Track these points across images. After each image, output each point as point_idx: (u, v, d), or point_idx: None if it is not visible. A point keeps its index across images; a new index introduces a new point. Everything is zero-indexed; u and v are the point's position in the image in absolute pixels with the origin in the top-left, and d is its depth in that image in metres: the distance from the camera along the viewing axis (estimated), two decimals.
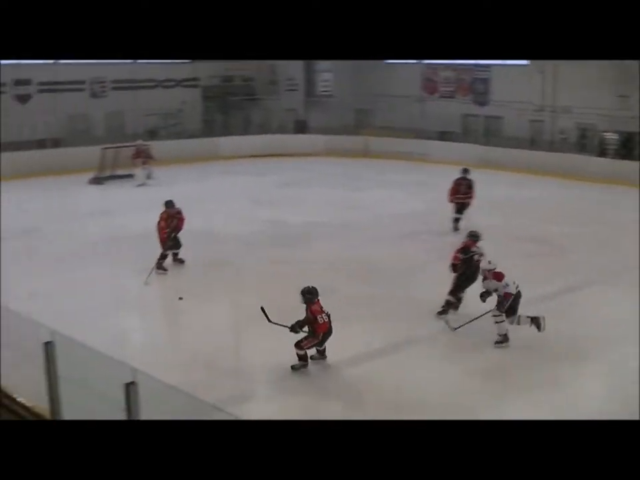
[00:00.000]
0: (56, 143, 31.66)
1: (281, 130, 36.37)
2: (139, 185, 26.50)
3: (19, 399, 8.45)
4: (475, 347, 11.54)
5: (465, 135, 35.20)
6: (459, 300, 12.88)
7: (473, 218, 18.93)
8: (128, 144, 28.30)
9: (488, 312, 11.53)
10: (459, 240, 13.92)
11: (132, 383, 6.53)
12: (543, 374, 10.42)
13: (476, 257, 12.74)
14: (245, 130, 35.60)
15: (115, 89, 34.49)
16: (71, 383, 7.28)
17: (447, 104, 36.73)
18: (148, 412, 6.52)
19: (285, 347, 10.54)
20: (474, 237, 13.22)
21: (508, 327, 11.36)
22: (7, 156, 27.94)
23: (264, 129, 35.99)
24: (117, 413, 6.43)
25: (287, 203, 22.97)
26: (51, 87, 32.35)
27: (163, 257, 15.75)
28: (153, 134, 34.04)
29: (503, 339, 11.41)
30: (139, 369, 6.60)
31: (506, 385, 10.39)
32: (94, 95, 34.18)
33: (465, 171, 20.26)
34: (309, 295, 10.67)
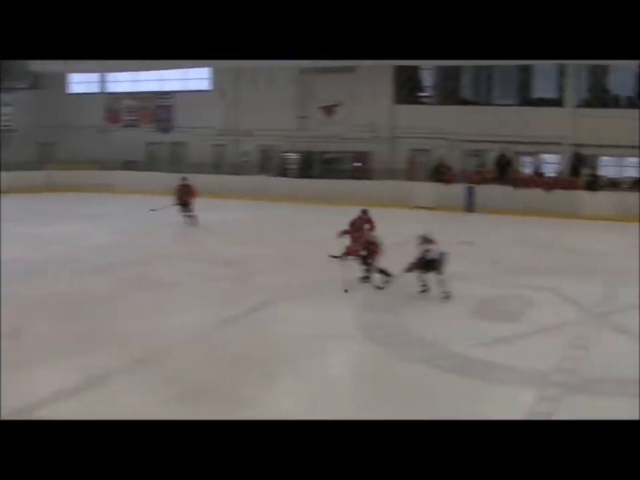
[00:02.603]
0: None
1: None
2: None
3: None
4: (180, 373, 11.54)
5: (149, 163, 35.40)
6: None
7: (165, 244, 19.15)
8: None
9: None
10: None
11: None
12: (241, 393, 10.58)
13: None
14: None
15: None
16: None
17: (130, 133, 36.78)
18: None
19: None
20: None
21: None
22: None
23: None
24: None
25: None
26: None
27: None
28: None
29: None
30: None
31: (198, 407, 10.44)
32: None
33: (184, 178, 25.21)
34: None
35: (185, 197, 24.74)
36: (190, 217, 24.46)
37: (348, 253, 15.88)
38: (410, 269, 15.05)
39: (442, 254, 14.85)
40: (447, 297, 14.72)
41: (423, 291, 15.09)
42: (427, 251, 14.82)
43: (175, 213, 25.13)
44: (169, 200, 24.87)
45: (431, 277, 14.94)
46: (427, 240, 15.03)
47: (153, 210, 24.90)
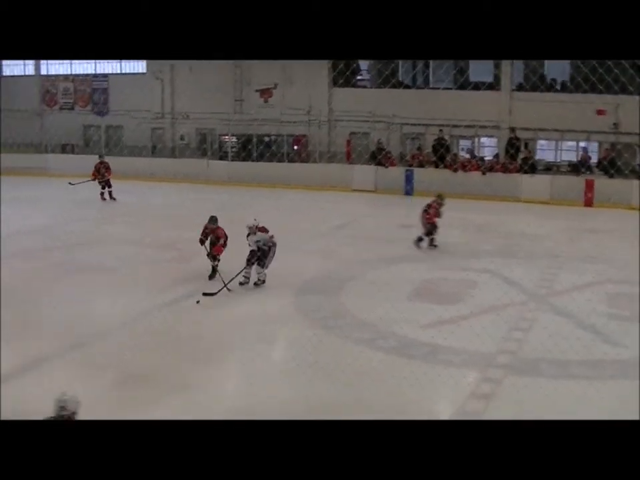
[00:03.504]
0: None
1: None
2: None
3: None
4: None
5: (86, 146, 34.95)
6: None
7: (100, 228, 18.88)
8: None
9: None
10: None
11: None
12: (181, 377, 10.45)
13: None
14: None
15: None
16: None
17: (67, 116, 36.23)
18: None
19: None
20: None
21: None
22: None
23: None
24: None
25: None
26: None
27: None
28: None
29: None
30: None
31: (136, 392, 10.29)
32: None
33: (101, 156, 26.68)
34: None
35: (103, 173, 25.86)
36: (109, 192, 25.87)
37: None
38: (251, 262, 14.55)
39: (270, 245, 14.50)
40: (262, 283, 14.61)
41: (244, 283, 14.58)
42: (267, 240, 14.42)
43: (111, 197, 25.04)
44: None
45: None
46: (260, 229, 14.47)
47: (72, 184, 25.51)
